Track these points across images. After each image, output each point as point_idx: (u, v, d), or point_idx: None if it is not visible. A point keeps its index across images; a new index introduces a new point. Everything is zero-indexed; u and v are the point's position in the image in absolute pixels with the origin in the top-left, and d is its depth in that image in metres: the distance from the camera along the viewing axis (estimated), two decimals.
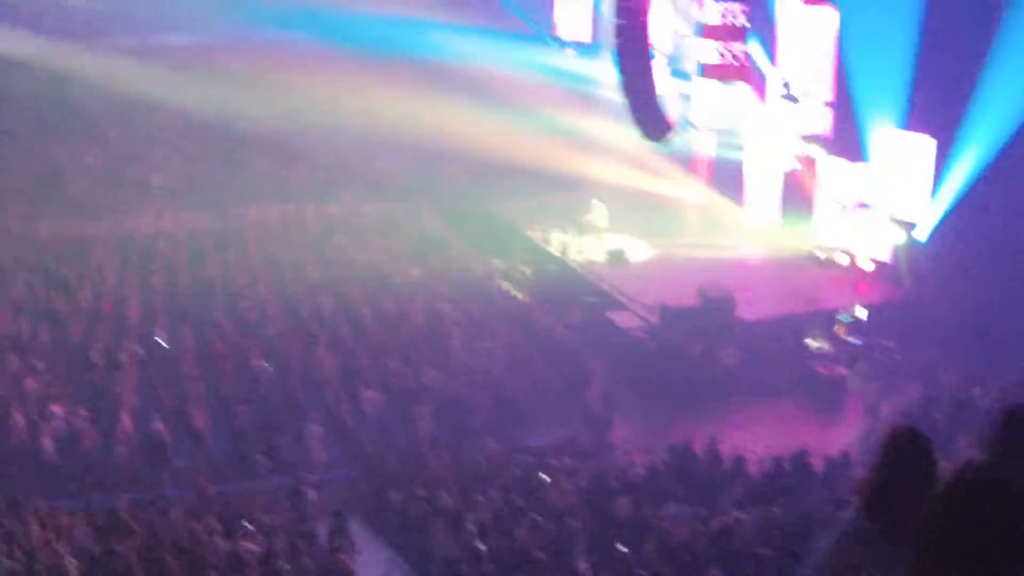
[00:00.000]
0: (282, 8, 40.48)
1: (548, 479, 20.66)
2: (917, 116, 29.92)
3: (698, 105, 38.18)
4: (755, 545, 15.63)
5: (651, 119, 30.02)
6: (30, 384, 24.45)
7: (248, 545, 16.98)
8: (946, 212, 29.58)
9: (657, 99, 30.01)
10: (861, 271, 32.23)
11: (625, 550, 16.36)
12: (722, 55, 31.08)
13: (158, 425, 22.57)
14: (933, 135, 29.45)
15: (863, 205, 31.97)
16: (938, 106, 29.03)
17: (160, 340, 27.40)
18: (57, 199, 37.43)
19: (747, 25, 30.71)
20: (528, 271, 34.51)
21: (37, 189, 38.02)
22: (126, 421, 22.79)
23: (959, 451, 18.25)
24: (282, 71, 40.84)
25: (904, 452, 5.03)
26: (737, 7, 30.59)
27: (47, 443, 22.17)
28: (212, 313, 29.53)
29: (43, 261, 32.77)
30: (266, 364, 26.17)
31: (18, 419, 22.68)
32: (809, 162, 33.92)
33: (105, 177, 39.50)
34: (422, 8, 42.14)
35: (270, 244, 35.76)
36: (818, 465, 20.31)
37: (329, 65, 40.03)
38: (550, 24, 44.74)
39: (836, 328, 29.72)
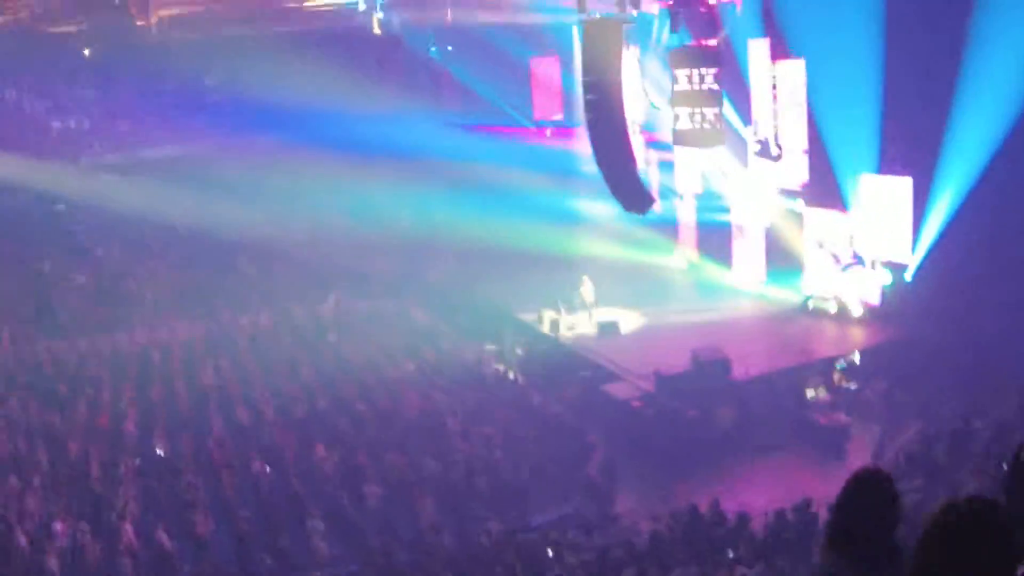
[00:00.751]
0: (263, 112, 40.59)
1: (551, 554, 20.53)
2: (891, 159, 30.14)
3: (678, 172, 38.49)
4: None
5: (631, 191, 30.01)
6: (31, 503, 24.27)
7: None
8: (929, 250, 29.69)
9: (635, 171, 30.01)
10: (852, 317, 32.36)
11: None
12: (696, 120, 31.12)
13: (161, 534, 22.44)
14: (909, 176, 29.70)
15: (847, 251, 32.14)
16: (911, 147, 29.24)
17: (159, 451, 27.36)
18: (48, 318, 37.51)
19: (718, 88, 30.79)
20: (521, 352, 34.49)
21: (28, 309, 38.06)
22: (129, 533, 22.60)
23: (961, 483, 18.15)
24: (265, 175, 41.07)
25: (865, 491, 5.07)
26: (707, 71, 30.66)
27: (52, 562, 21.89)
28: (209, 420, 29.42)
29: (37, 380, 32.80)
30: (266, 467, 26.09)
31: (21, 539, 22.47)
32: (791, 216, 34.10)
33: (95, 294, 39.57)
34: (401, 103, 42.37)
35: (263, 348, 35.72)
36: (823, 514, 20.14)
37: (311, 166, 40.26)
38: (529, 108, 44.99)
39: (834, 376, 29.70)
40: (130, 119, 40.35)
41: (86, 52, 40.71)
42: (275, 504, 24.47)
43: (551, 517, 24.58)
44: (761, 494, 23.37)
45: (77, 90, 39.03)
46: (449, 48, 45.22)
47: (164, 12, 37.86)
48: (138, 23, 37.69)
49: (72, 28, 38.13)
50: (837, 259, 32.78)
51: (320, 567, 22.35)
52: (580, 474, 26.21)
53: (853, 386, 29.33)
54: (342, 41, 42.03)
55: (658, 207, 34.16)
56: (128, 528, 22.70)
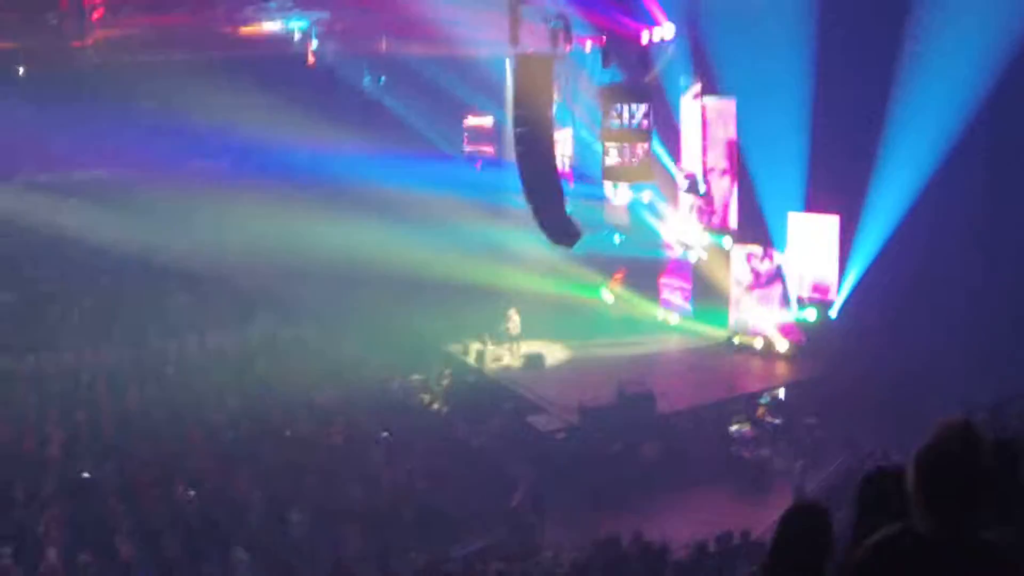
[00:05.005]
0: (196, 138, 40.15)
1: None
2: (819, 198, 30.52)
3: (607, 207, 38.70)
4: None
5: (558, 225, 30.02)
6: None
7: None
8: (853, 288, 30.10)
9: (563, 205, 30.05)
10: (777, 353, 32.67)
11: None
12: (625, 156, 31.25)
13: (86, 558, 22.13)
14: (836, 215, 30.16)
15: (774, 288, 32.50)
16: (838, 187, 29.61)
17: (84, 474, 26.97)
18: None
19: (649, 124, 30.97)
20: (446, 383, 34.45)
21: None
22: (52, 557, 22.28)
23: None
24: (196, 201, 40.70)
25: (800, 527, 5.12)
26: (638, 108, 30.83)
27: None
28: (134, 445, 29.06)
29: None
30: (190, 492, 25.82)
31: None
32: (718, 252, 34.42)
33: (23, 315, 38.95)
34: (333, 133, 42.27)
35: (190, 375, 35.39)
36: (745, 546, 20.18)
37: (242, 193, 39.98)
38: (460, 142, 45.15)
39: (758, 411, 29.90)
40: (64, 140, 39.70)
41: (20, 71, 40.25)
42: (199, 531, 24.19)
43: (474, 548, 24.51)
44: (684, 527, 23.34)
45: (11, 109, 38.33)
46: (382, 79, 45.21)
47: (101, 34, 37.46)
48: (74, 44, 37.30)
49: (7, 46, 37.69)
50: (762, 295, 33.16)
51: None
52: (503, 505, 26.18)
53: (777, 421, 29.55)
54: (276, 69, 41.84)
55: (585, 240, 34.31)
56: (52, 552, 22.39)
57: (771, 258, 32.87)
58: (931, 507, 3.95)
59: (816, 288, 31.68)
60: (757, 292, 33.57)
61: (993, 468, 4.06)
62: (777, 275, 32.82)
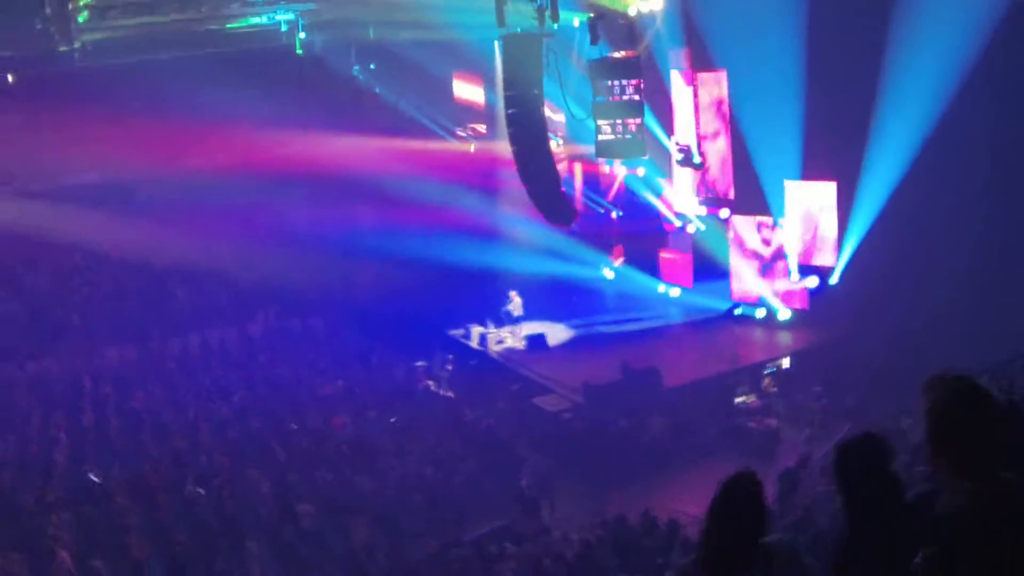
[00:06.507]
0: (187, 135, 39.96)
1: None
2: (815, 165, 30.43)
3: (602, 183, 38.64)
4: None
5: (554, 204, 29.89)
6: None
7: None
8: (853, 253, 30.05)
9: (558, 184, 29.93)
10: (779, 322, 32.64)
11: None
12: (618, 131, 31.10)
13: (96, 562, 22.10)
14: (833, 181, 30.11)
15: (774, 257, 32.47)
16: (834, 153, 29.53)
17: (92, 477, 26.95)
18: None
19: (640, 98, 30.81)
20: (450, 368, 34.42)
21: None
22: (66, 561, 22.26)
23: None
24: (191, 198, 40.61)
25: (733, 496, 5.20)
26: (628, 82, 30.67)
27: None
28: (142, 445, 29.03)
29: None
30: (199, 489, 25.81)
31: None
32: (716, 223, 34.38)
33: (24, 322, 38.85)
34: (325, 121, 42.17)
35: (193, 370, 35.40)
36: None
37: (237, 186, 39.90)
38: (452, 124, 44.98)
39: (763, 382, 29.86)
40: (55, 145, 39.53)
41: (10, 78, 40.14)
42: (210, 527, 24.21)
43: (484, 531, 24.51)
44: (693, 501, 23.22)
45: (2, 116, 38.15)
46: (372, 67, 45.09)
47: (87, 37, 37.38)
48: (61, 48, 37.17)
49: None
50: (762, 264, 33.13)
51: None
52: (512, 487, 26.15)
53: (780, 390, 29.51)
54: (265, 63, 41.69)
55: (581, 218, 34.24)
56: (65, 556, 22.35)
57: (770, 227, 32.82)
58: (945, 450, 4.05)
59: (816, 255, 31.61)
60: (757, 262, 33.53)
61: (999, 415, 4.15)
62: (776, 244, 32.79)
